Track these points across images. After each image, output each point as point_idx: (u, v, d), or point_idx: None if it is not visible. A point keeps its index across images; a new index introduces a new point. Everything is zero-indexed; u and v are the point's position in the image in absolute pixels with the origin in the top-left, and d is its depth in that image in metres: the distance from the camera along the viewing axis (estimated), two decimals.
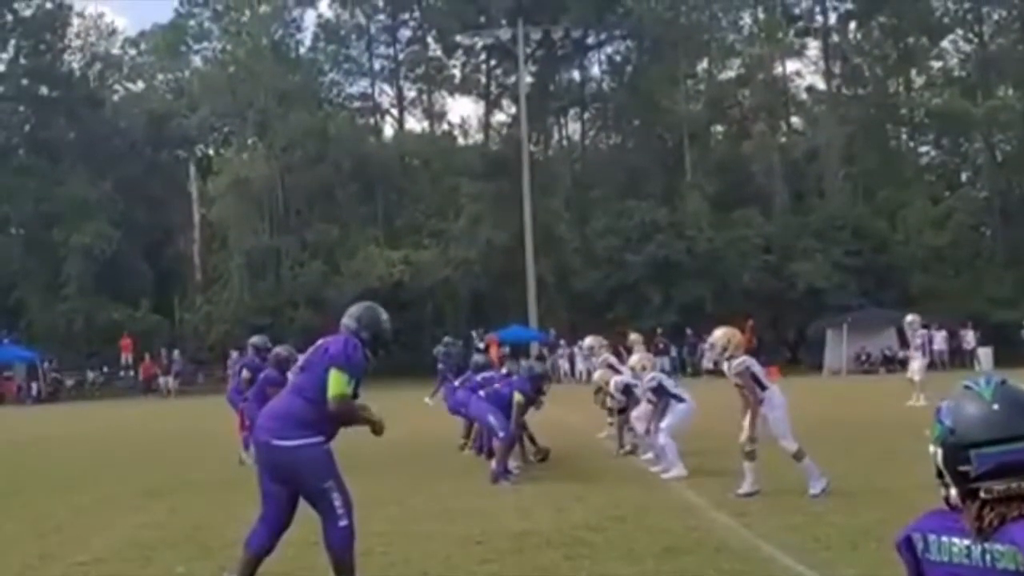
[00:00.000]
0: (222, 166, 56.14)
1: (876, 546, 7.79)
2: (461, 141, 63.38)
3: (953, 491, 2.63)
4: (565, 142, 66.09)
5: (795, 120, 64.85)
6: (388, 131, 64.47)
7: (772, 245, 53.41)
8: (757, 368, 11.28)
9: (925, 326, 25.69)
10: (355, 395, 6.51)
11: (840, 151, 57.72)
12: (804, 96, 63.78)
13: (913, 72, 61.92)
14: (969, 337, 45.96)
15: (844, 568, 7.07)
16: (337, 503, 6.37)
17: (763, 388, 11.08)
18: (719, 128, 63.94)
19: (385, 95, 64.58)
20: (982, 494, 2.57)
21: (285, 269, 53.85)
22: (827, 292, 50.50)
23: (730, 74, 62.66)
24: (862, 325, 45.44)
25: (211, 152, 63.96)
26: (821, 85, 62.16)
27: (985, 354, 44.07)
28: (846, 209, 55.03)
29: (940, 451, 2.66)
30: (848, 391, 30.50)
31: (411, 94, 64.48)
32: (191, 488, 12.95)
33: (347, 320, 6.78)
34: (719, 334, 11.75)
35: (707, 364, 13.33)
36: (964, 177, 63.78)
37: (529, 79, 58.09)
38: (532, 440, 14.66)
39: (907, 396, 22.04)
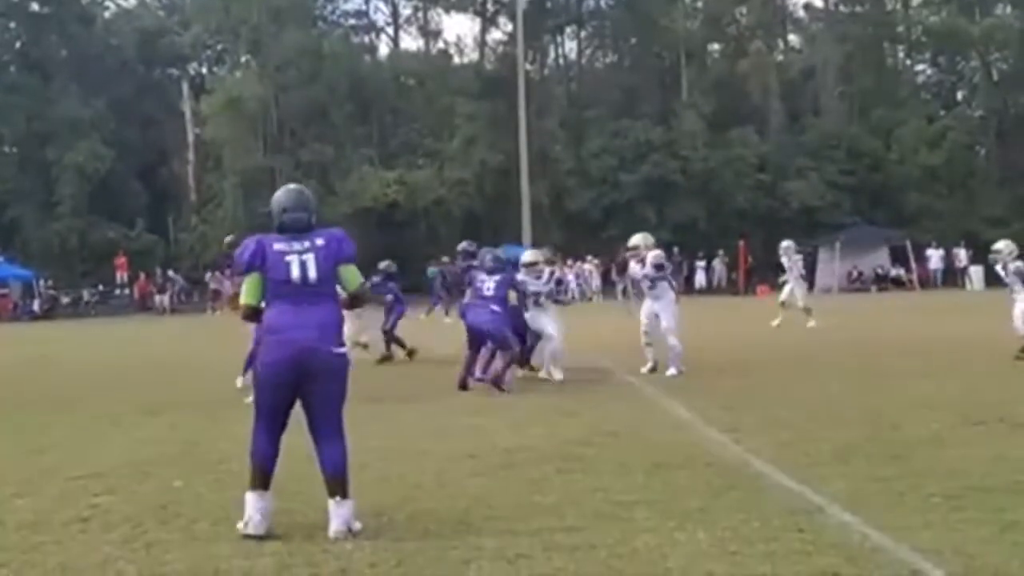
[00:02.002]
0: (215, 85, 55.69)
1: (865, 462, 7.88)
2: (456, 60, 62.80)
3: None
4: (561, 61, 65.52)
5: (792, 38, 64.54)
6: (383, 50, 63.96)
7: (767, 164, 53.43)
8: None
9: (800, 252, 25.54)
10: None
11: (836, 69, 57.46)
12: (802, 14, 63.49)
13: None
14: (962, 256, 46.19)
15: (834, 483, 7.13)
16: (343, 418, 6.42)
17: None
18: (716, 46, 63.40)
19: (380, 12, 63.97)
20: None
21: (279, 189, 53.56)
22: (821, 211, 50.60)
23: None
24: (854, 244, 45.62)
25: (204, 71, 63.38)
26: (819, 2, 61.74)
27: (977, 273, 44.28)
28: (841, 128, 54.97)
29: None
30: (838, 309, 30.55)
31: (406, 11, 63.85)
32: (188, 405, 13.00)
33: (303, 214, 6.53)
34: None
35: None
36: (960, 96, 63.64)
37: None
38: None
39: (886, 319, 22.19)
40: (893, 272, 46.37)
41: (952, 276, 46.02)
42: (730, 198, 51.60)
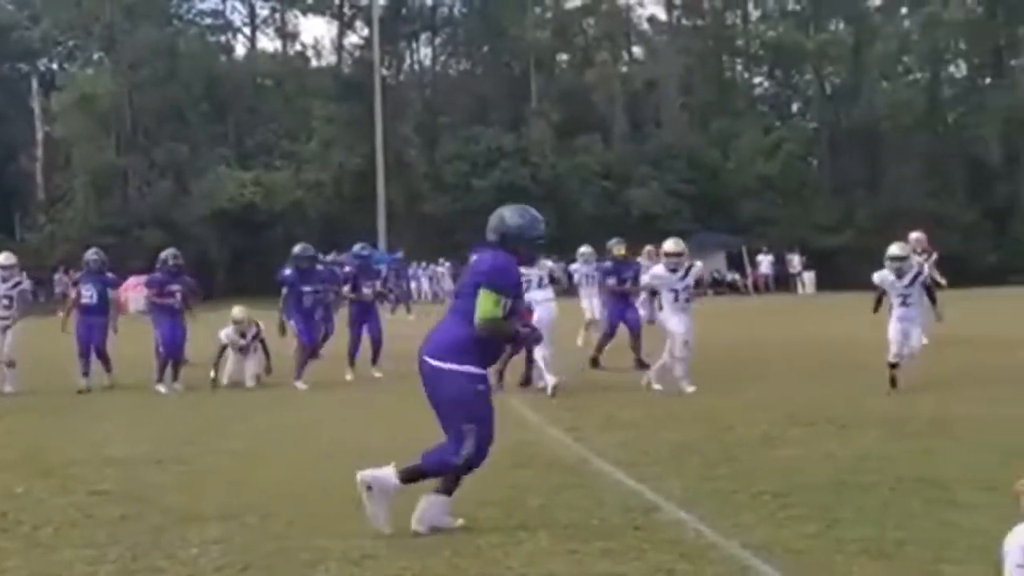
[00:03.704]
0: (66, 82, 53.89)
1: (699, 461, 8.01)
2: (314, 63, 62.24)
3: None
4: (416, 67, 65.36)
5: (636, 50, 65.39)
6: (240, 50, 62.77)
7: (611, 172, 54.19)
8: None
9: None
10: (513, 311, 6.11)
11: (678, 81, 58.47)
12: (646, 26, 64.34)
13: (750, 5, 62.99)
14: (795, 262, 47.56)
15: (670, 481, 7.23)
16: (467, 445, 5.97)
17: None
18: (564, 56, 63.97)
19: (237, 13, 62.79)
20: None
21: (132, 188, 52.32)
22: (662, 218, 51.42)
23: (576, 2, 62.61)
24: (693, 250, 46.36)
25: (55, 67, 61.24)
26: (662, 16, 62.87)
27: (809, 278, 45.68)
28: (681, 138, 55.97)
29: None
30: None
31: (263, 12, 62.71)
32: (29, 409, 12.56)
33: (487, 234, 6.38)
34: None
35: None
36: (794, 108, 65.37)
37: (382, 1, 57.09)
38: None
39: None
40: (729, 277, 47.50)
41: (785, 281, 47.34)
42: (577, 205, 52.17)
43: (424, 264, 46.53)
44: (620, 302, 15.80)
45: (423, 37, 63.66)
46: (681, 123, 57.82)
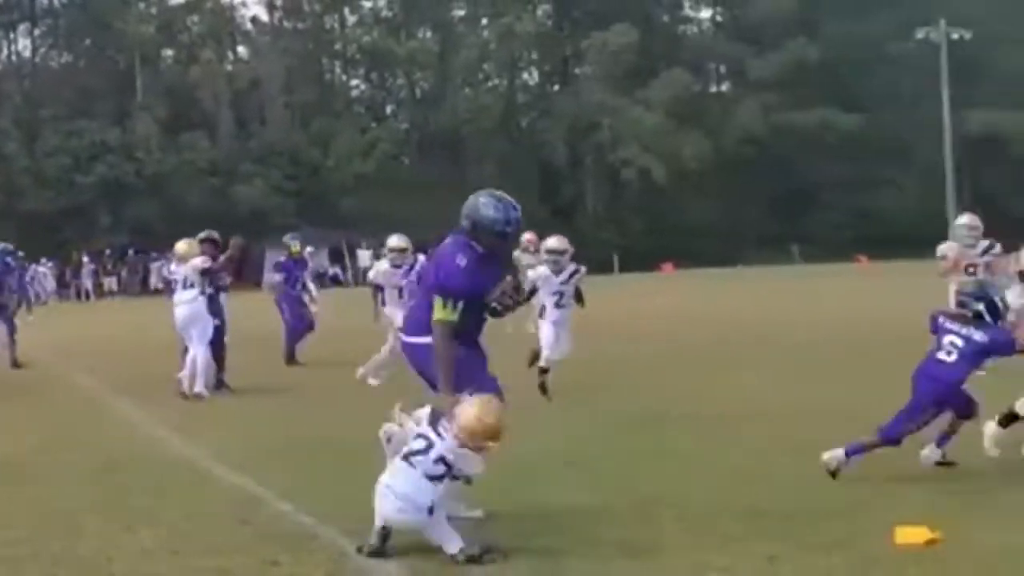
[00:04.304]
0: None
1: (306, 453, 8.09)
2: None
3: None
4: (15, 58, 61.13)
5: (241, 49, 64.54)
6: None
7: (218, 169, 53.32)
8: None
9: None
10: (488, 308, 5.93)
11: (281, 81, 58.34)
12: (250, 26, 63.62)
13: (347, 10, 63.77)
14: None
15: (276, 474, 7.20)
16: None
17: None
18: (169, 52, 62.05)
19: None
20: None
21: None
22: (269, 213, 51.25)
23: None
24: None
25: None
26: (265, 17, 62.39)
27: None
28: (284, 136, 55.96)
29: None
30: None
31: None
32: None
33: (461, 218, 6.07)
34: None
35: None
36: (388, 110, 66.90)
37: None
38: None
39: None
40: (331, 271, 48.06)
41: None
42: (183, 200, 50.90)
43: (26, 264, 43.32)
44: (298, 302, 15.67)
45: (21, 28, 59.88)
46: (284, 122, 57.81)
